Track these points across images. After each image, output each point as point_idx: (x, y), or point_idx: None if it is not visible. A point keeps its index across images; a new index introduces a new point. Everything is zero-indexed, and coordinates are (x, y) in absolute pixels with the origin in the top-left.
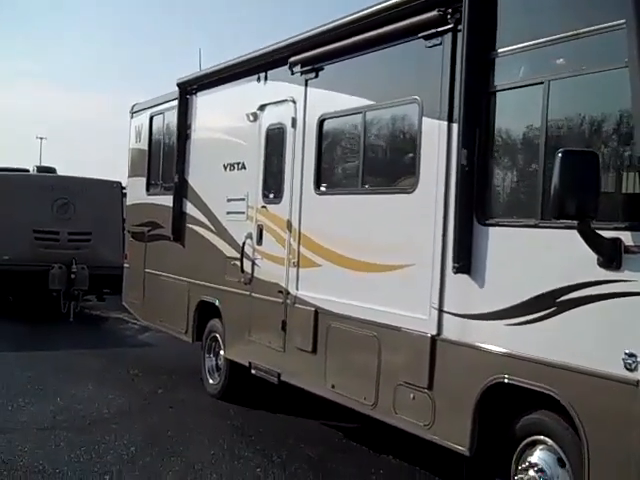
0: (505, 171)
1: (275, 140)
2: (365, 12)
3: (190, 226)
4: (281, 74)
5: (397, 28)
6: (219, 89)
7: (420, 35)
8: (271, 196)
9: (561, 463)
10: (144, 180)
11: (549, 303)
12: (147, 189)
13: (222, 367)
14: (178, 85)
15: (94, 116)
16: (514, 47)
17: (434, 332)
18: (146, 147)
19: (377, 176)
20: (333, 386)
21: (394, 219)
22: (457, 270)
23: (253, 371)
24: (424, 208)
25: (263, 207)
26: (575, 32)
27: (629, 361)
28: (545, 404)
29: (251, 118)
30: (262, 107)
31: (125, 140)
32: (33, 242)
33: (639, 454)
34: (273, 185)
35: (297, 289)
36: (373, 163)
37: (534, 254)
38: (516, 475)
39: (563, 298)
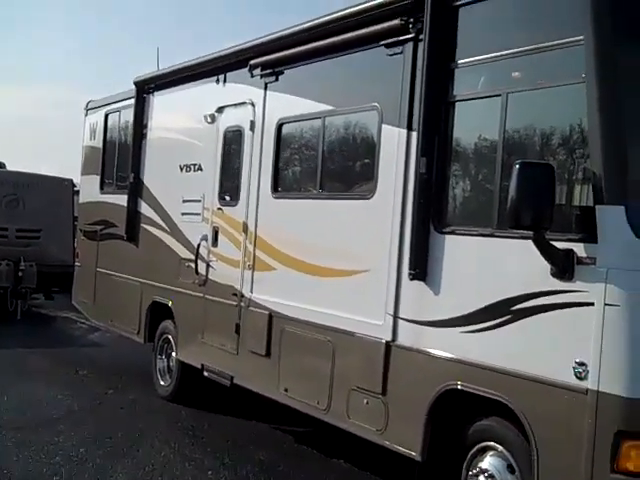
0: (462, 180)
1: (233, 142)
2: (328, 18)
3: (144, 226)
4: (241, 76)
5: (359, 35)
6: (177, 89)
7: (381, 43)
8: (227, 198)
9: (511, 469)
10: (98, 178)
11: (503, 311)
12: (101, 187)
13: (174, 369)
14: (135, 84)
15: (40, 111)
16: (473, 59)
17: (389, 338)
18: (100, 145)
19: (335, 181)
20: (286, 390)
21: (351, 224)
22: (413, 277)
23: (206, 373)
24: (381, 214)
25: (219, 209)
26: (534, 47)
27: (579, 370)
28: (497, 411)
29: (209, 120)
30: (220, 109)
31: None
32: None
33: (588, 462)
34: (230, 187)
35: (252, 292)
36: (331, 168)
37: (489, 263)
38: None
39: (517, 307)
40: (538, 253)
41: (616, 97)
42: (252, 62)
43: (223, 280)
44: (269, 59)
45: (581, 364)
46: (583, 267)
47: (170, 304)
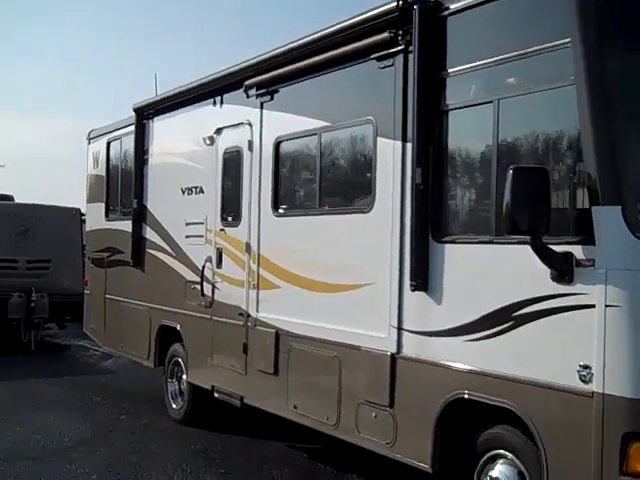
0: (459, 188)
1: (232, 163)
2: (318, 35)
3: (150, 251)
4: (237, 97)
5: (350, 50)
6: (175, 113)
7: (372, 56)
8: (229, 219)
9: (521, 476)
10: (103, 206)
11: (505, 318)
12: (106, 215)
13: (185, 391)
14: (135, 110)
15: (47, 143)
16: (463, 67)
17: (394, 350)
18: (104, 173)
19: (334, 196)
20: (295, 407)
21: (351, 239)
22: (415, 288)
23: (216, 395)
24: (381, 227)
25: (222, 230)
26: (523, 52)
27: (583, 373)
28: (505, 418)
29: (208, 142)
30: (218, 130)
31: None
32: None
33: (597, 465)
34: (231, 208)
35: (257, 311)
36: (330, 184)
37: (490, 270)
38: None
39: (519, 313)
40: (537, 258)
41: (606, 97)
42: (247, 83)
43: (229, 301)
44: (263, 79)
45: (585, 367)
46: (582, 269)
47: (178, 327)
